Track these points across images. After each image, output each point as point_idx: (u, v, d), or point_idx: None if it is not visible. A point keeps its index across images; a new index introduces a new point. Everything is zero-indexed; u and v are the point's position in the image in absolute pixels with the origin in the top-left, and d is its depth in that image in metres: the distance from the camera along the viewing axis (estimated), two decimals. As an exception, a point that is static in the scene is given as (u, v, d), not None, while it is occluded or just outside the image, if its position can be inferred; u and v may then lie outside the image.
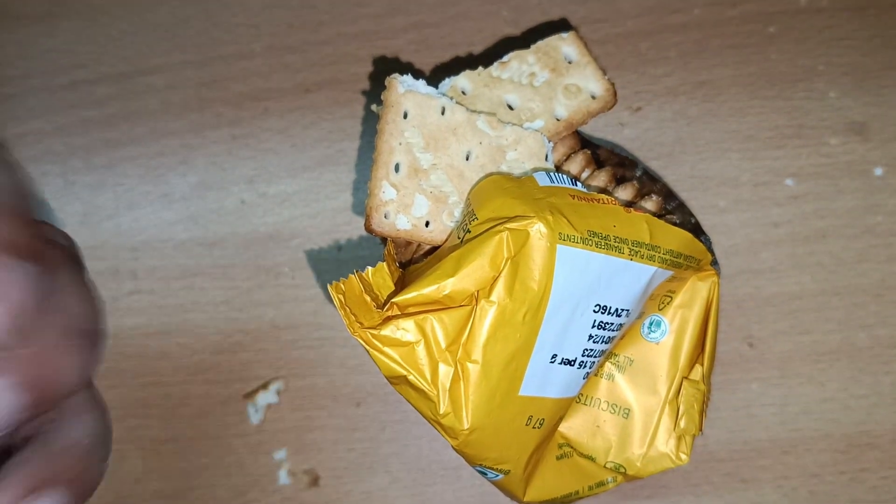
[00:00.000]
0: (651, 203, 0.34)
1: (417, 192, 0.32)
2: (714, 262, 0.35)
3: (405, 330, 0.29)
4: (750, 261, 0.41)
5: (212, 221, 0.43)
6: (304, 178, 0.43)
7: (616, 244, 0.31)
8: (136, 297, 0.43)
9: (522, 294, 0.30)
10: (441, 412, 0.30)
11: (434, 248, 0.33)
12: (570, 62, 0.34)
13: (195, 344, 0.42)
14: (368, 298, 0.30)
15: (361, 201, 0.42)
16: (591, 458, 0.36)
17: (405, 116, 0.32)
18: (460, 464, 0.38)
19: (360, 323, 0.29)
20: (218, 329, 0.42)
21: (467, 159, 0.32)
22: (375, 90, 0.43)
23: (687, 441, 0.35)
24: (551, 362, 0.31)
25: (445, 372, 0.30)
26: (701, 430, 0.35)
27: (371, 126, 0.42)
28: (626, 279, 0.31)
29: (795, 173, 0.41)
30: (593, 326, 0.31)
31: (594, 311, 0.31)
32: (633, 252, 0.31)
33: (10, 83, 0.44)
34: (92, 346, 0.20)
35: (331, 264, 0.42)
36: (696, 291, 0.35)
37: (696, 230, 0.35)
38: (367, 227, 0.32)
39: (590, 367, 0.33)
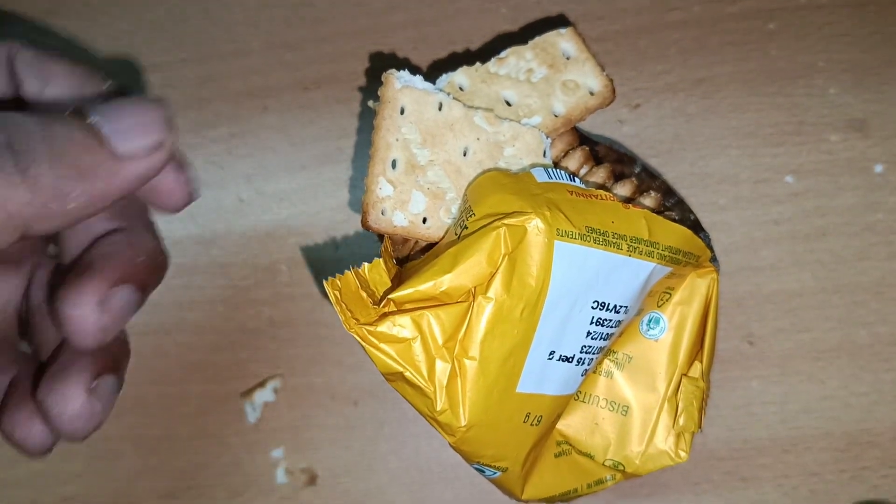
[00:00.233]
0: (650, 199, 0.34)
1: (414, 188, 0.32)
2: (713, 259, 0.35)
3: (401, 326, 0.29)
4: (750, 258, 0.41)
5: (210, 219, 0.43)
6: (302, 176, 0.42)
7: (614, 240, 0.30)
8: (133, 295, 0.42)
9: (520, 290, 0.29)
10: (438, 409, 0.30)
11: (431, 245, 0.33)
12: (567, 58, 0.34)
13: (192, 342, 0.42)
14: (365, 294, 0.30)
15: (359, 199, 0.41)
16: (589, 456, 0.35)
17: (402, 112, 0.32)
18: (458, 462, 0.38)
19: (357, 319, 0.29)
20: (215, 327, 0.42)
21: (465, 155, 0.32)
22: (374, 87, 0.42)
23: (686, 438, 0.35)
24: (549, 359, 0.31)
25: (442, 368, 0.30)
26: (700, 427, 0.35)
27: (368, 123, 0.42)
28: (625, 275, 0.31)
29: (795, 170, 0.41)
30: (591, 323, 0.31)
31: (592, 307, 0.31)
32: (631, 248, 0.31)
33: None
34: None
35: (328, 262, 0.42)
36: (696, 288, 0.35)
37: (696, 227, 0.35)
38: (364, 224, 0.32)
39: (588, 364, 0.32)
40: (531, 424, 0.32)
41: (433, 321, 0.29)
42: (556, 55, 0.34)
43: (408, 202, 0.32)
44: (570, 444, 0.35)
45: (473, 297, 0.30)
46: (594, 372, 0.35)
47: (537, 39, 0.34)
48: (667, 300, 0.35)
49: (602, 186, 0.33)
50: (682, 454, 0.35)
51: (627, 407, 0.35)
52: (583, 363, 0.32)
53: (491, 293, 0.29)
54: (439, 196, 0.32)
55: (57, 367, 0.24)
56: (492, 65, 0.34)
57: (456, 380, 0.30)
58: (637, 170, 0.36)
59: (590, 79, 0.34)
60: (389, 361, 0.29)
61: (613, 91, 0.34)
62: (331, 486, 0.41)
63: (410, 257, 0.33)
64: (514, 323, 0.30)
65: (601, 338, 0.32)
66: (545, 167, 0.32)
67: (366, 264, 0.30)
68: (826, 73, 0.41)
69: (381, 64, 0.43)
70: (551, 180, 0.31)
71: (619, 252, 0.31)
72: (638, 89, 0.42)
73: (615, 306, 0.32)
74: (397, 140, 0.32)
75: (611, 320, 0.32)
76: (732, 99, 0.41)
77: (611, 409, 0.35)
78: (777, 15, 0.41)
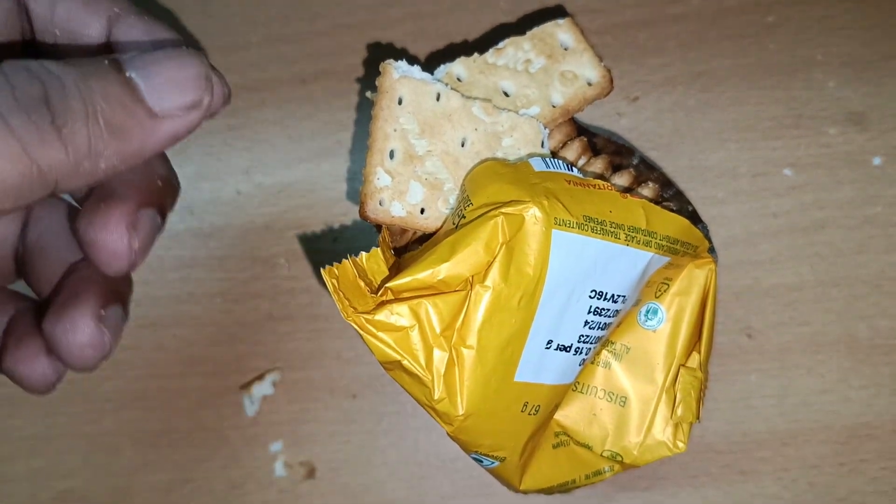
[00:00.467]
0: (648, 190, 0.34)
1: (412, 178, 0.32)
2: (711, 249, 0.35)
3: (399, 315, 0.29)
4: (749, 252, 0.40)
5: (208, 212, 0.42)
6: (300, 169, 0.42)
7: (612, 229, 0.30)
8: (131, 288, 0.42)
9: (518, 279, 0.29)
10: (436, 398, 0.30)
11: (429, 236, 0.33)
12: (565, 49, 0.34)
13: (191, 336, 0.42)
14: (362, 283, 0.30)
15: (357, 191, 0.41)
16: (587, 447, 0.35)
17: (400, 102, 0.32)
18: (457, 455, 0.38)
19: (354, 308, 0.29)
20: (214, 321, 0.42)
21: (462, 146, 0.32)
22: (372, 80, 0.42)
23: (684, 429, 0.35)
24: (547, 348, 0.31)
25: (440, 357, 0.29)
26: (698, 417, 0.35)
27: (367, 116, 0.42)
28: (623, 265, 0.31)
29: (794, 163, 0.41)
30: (589, 312, 0.31)
31: (590, 296, 0.31)
32: (629, 237, 0.31)
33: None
34: None
35: (327, 255, 0.42)
36: (694, 279, 0.35)
37: (694, 217, 0.35)
38: (362, 214, 0.32)
39: (586, 354, 0.32)
40: (529, 414, 0.32)
41: (431, 310, 0.29)
42: (554, 46, 0.34)
43: (406, 192, 0.32)
44: (569, 435, 0.35)
45: (471, 285, 0.29)
46: (592, 363, 0.35)
47: (535, 30, 0.34)
48: (665, 290, 0.35)
49: (600, 177, 0.33)
50: (681, 444, 0.35)
51: (625, 398, 0.35)
52: (580, 352, 0.32)
53: (488, 282, 0.29)
54: (437, 186, 0.32)
55: (63, 299, 0.24)
56: (490, 55, 0.34)
57: (454, 368, 0.30)
58: (635, 161, 0.36)
59: (588, 69, 0.34)
60: (387, 350, 0.29)
61: (611, 81, 0.34)
62: (329, 480, 0.41)
63: (408, 247, 0.33)
64: (511, 312, 0.30)
65: (599, 327, 0.32)
66: (543, 157, 0.32)
67: (363, 253, 0.30)
68: (825, 67, 0.41)
69: (379, 57, 0.43)
70: (549, 170, 0.31)
71: (616, 241, 0.31)
72: (637, 82, 0.42)
73: (613, 296, 0.31)
74: (395, 130, 0.32)
75: (608, 310, 0.32)
76: (731, 92, 0.41)
77: (609, 399, 0.35)
78: (776, 9, 0.41)
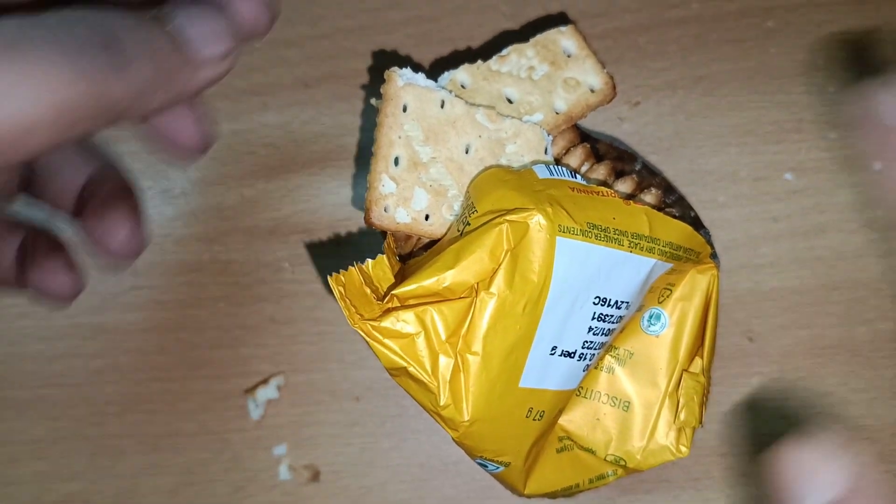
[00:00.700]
0: (651, 196, 0.34)
1: (417, 185, 0.32)
2: (713, 255, 0.35)
3: (405, 322, 0.29)
4: (750, 255, 0.41)
5: (212, 217, 0.43)
6: (304, 174, 0.43)
7: (616, 236, 0.31)
8: (136, 292, 0.43)
9: (522, 286, 0.30)
10: (441, 404, 0.30)
11: (434, 242, 0.33)
12: (568, 56, 0.34)
13: (195, 339, 0.42)
14: (368, 290, 0.30)
15: (361, 196, 0.41)
16: (591, 451, 0.35)
17: (404, 110, 0.32)
18: (460, 458, 0.38)
19: (361, 315, 0.29)
20: (218, 324, 0.42)
21: (467, 152, 0.32)
22: (375, 85, 0.42)
23: (687, 434, 0.35)
24: (551, 354, 0.31)
25: (446, 363, 0.30)
26: (701, 422, 0.35)
27: (370, 121, 0.42)
28: (626, 271, 0.31)
29: (795, 167, 0.41)
30: (593, 318, 0.31)
31: (594, 303, 0.31)
32: (632, 244, 0.31)
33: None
34: None
35: (331, 259, 0.42)
36: (696, 284, 0.35)
37: (696, 223, 0.35)
38: (367, 221, 0.32)
39: (590, 360, 0.33)
40: (533, 419, 0.32)
41: (436, 316, 0.30)
42: (557, 53, 0.34)
43: (410, 199, 0.32)
44: (572, 440, 0.36)
45: (476, 292, 0.30)
46: (596, 367, 0.35)
47: (538, 37, 0.34)
48: (667, 296, 0.35)
49: (603, 183, 0.34)
50: (683, 449, 0.35)
51: (629, 402, 0.35)
52: (584, 358, 0.32)
53: (493, 289, 0.29)
54: (441, 193, 0.32)
55: (99, 203, 0.27)
56: (493, 62, 0.34)
57: (459, 375, 0.30)
58: (638, 167, 0.36)
59: (590, 76, 0.34)
60: (393, 357, 0.29)
61: (614, 88, 0.34)
62: (333, 483, 0.42)
63: (413, 254, 0.34)
64: (516, 318, 0.30)
65: (602, 333, 0.32)
66: (546, 164, 0.32)
67: (369, 260, 0.31)
68: (825, 71, 0.41)
69: (382, 61, 0.43)
70: (553, 177, 0.32)
71: (620, 248, 0.31)
72: (638, 87, 0.42)
73: (616, 302, 0.32)
74: (400, 137, 0.32)
75: (612, 316, 0.32)
76: (732, 96, 0.41)
77: (612, 404, 0.35)
78: (776, 13, 0.42)
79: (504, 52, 0.34)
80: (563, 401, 0.34)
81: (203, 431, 0.42)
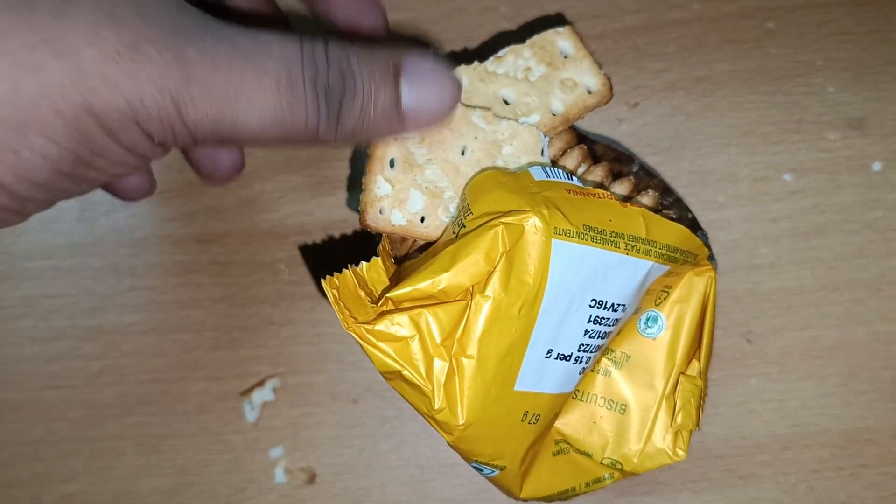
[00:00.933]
0: (648, 198, 0.34)
1: (412, 187, 0.32)
2: (711, 257, 0.35)
3: (399, 325, 0.29)
4: (749, 256, 0.41)
5: (210, 218, 0.43)
6: (301, 175, 0.42)
7: (612, 238, 0.30)
8: (133, 293, 0.43)
9: (518, 288, 0.29)
10: (436, 407, 0.30)
11: (429, 244, 0.33)
12: (566, 57, 0.34)
13: (193, 341, 0.42)
14: (363, 293, 0.30)
15: (358, 198, 0.42)
16: (587, 455, 0.35)
17: (400, 111, 0.32)
18: (457, 460, 0.38)
19: (354, 318, 0.29)
20: (215, 326, 0.42)
21: (463, 154, 0.32)
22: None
23: (684, 437, 0.35)
24: (547, 357, 0.31)
25: (440, 367, 0.30)
26: (698, 425, 0.35)
27: (368, 122, 0.42)
28: (623, 274, 0.31)
29: (794, 168, 0.41)
30: (589, 321, 0.31)
31: (590, 305, 0.31)
32: (629, 247, 0.31)
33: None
34: None
35: (327, 261, 0.42)
36: (693, 286, 0.35)
37: (693, 225, 0.35)
38: (363, 223, 0.32)
39: (586, 363, 0.33)
40: (529, 423, 0.32)
41: (431, 320, 0.29)
42: (554, 54, 0.34)
43: (406, 201, 0.32)
44: (569, 443, 0.36)
45: (471, 295, 0.30)
46: (592, 370, 0.35)
47: (535, 38, 0.34)
48: (664, 298, 0.35)
49: (600, 185, 0.34)
50: (680, 452, 0.35)
51: (625, 405, 0.35)
52: (581, 361, 0.32)
53: (489, 291, 0.29)
54: (437, 195, 0.32)
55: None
56: (490, 63, 0.34)
57: (454, 378, 0.30)
58: (635, 168, 0.36)
59: (588, 77, 0.34)
60: (387, 360, 0.29)
61: (611, 89, 0.34)
62: (330, 485, 0.41)
63: (408, 256, 0.34)
64: (511, 321, 0.30)
65: (599, 336, 0.32)
66: (543, 166, 0.32)
67: (364, 263, 0.30)
68: (825, 72, 0.41)
69: (380, 63, 0.43)
70: (549, 179, 0.31)
71: (616, 250, 0.31)
72: (637, 87, 0.42)
73: (613, 305, 0.32)
74: (395, 139, 0.32)
75: (608, 319, 0.32)
76: (731, 97, 0.41)
77: (609, 407, 0.35)
78: (776, 14, 0.41)
79: (501, 53, 0.34)
80: (559, 404, 0.33)
81: (202, 433, 0.42)
